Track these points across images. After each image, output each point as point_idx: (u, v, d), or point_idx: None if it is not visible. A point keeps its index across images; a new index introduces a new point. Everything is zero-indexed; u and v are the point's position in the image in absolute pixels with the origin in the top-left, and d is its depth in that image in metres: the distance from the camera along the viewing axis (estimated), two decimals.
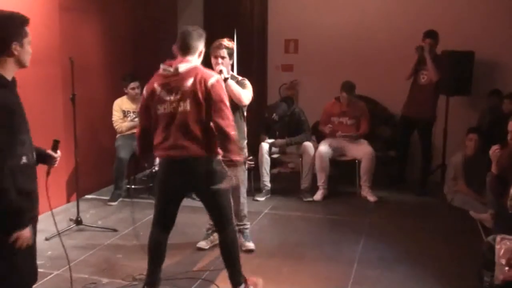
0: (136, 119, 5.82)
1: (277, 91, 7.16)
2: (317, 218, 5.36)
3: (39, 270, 3.87)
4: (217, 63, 4.01)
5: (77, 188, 4.98)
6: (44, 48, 5.11)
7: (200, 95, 3.12)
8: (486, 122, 6.08)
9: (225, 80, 3.90)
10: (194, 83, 3.13)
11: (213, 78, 3.18)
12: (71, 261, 4.05)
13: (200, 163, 3.20)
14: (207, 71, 3.25)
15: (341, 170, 6.31)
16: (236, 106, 4.00)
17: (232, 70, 4.74)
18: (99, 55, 6.00)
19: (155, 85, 3.22)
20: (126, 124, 5.76)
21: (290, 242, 4.59)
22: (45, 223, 4.94)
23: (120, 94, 5.85)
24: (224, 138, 3.19)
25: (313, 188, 5.89)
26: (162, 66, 3.26)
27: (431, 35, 5.93)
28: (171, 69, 3.20)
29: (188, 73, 3.17)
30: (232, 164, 3.30)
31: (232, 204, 3.48)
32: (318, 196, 5.83)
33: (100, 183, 6.08)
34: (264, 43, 7.26)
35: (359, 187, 5.97)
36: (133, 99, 5.80)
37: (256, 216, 5.22)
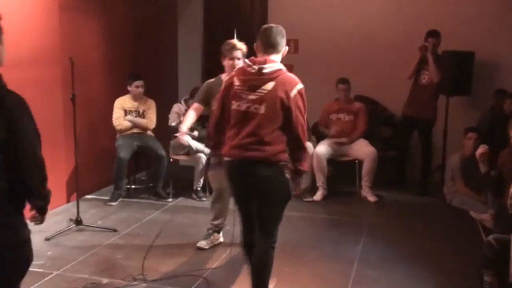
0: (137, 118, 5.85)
1: None
2: (317, 218, 5.36)
3: (39, 270, 3.90)
4: (234, 65, 3.92)
5: (77, 188, 4.98)
6: (44, 48, 5.12)
7: (278, 101, 3.00)
8: (487, 122, 6.08)
9: None
10: (275, 88, 3.01)
11: (296, 87, 3.04)
12: (71, 261, 4.07)
13: (262, 166, 3.07)
14: (291, 76, 3.08)
15: (341, 170, 6.31)
16: None
17: None
18: (99, 55, 6.00)
19: (235, 79, 3.12)
20: (126, 123, 5.74)
21: (290, 242, 4.59)
22: (45, 223, 4.97)
23: (120, 93, 5.84)
24: (297, 147, 3.10)
25: (313, 188, 5.89)
26: (247, 61, 3.12)
27: (434, 34, 5.93)
28: (255, 68, 3.05)
29: (271, 76, 3.03)
30: (296, 173, 3.18)
31: None
32: (318, 196, 5.83)
33: (100, 183, 6.08)
34: None
35: (359, 187, 5.97)
36: (135, 97, 5.79)
37: None
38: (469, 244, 4.49)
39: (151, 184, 6.00)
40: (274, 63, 3.09)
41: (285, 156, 3.13)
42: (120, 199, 5.69)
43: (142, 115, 5.86)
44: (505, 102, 5.88)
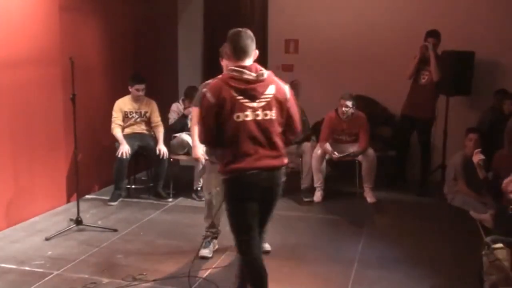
0: (138, 119, 5.83)
1: None
2: (317, 218, 5.36)
3: (39, 270, 3.91)
4: None
5: (77, 188, 4.98)
6: (44, 48, 5.12)
7: (283, 103, 3.02)
8: (487, 122, 6.08)
9: None
10: (277, 91, 3.01)
11: (287, 87, 3.10)
12: (71, 261, 4.07)
13: (279, 172, 3.06)
14: (279, 79, 3.11)
15: (341, 170, 6.31)
16: None
17: None
18: (99, 55, 6.00)
19: (232, 92, 2.92)
20: (119, 134, 5.66)
21: (290, 242, 4.59)
22: (45, 223, 4.98)
23: (120, 93, 5.83)
24: (294, 136, 3.17)
25: (313, 188, 5.89)
26: (237, 70, 2.96)
27: (434, 34, 5.94)
28: (253, 75, 2.95)
29: (269, 80, 3.01)
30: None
31: None
32: (317, 197, 5.82)
33: (100, 183, 6.08)
34: (264, 43, 7.26)
35: (360, 187, 5.95)
36: (136, 99, 5.79)
37: None
38: (469, 244, 4.48)
39: (151, 184, 6.00)
40: (261, 67, 3.06)
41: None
42: (120, 199, 5.69)
43: (144, 116, 5.85)
44: (505, 103, 5.88)
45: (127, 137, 5.72)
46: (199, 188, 5.75)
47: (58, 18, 5.29)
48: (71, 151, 5.03)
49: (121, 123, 5.75)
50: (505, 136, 4.54)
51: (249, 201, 3.01)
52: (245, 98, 2.94)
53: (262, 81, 2.98)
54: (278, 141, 3.02)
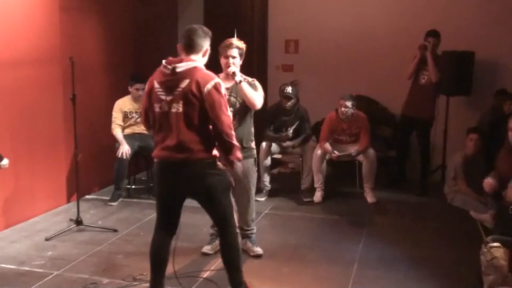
0: (139, 119, 5.82)
1: (277, 91, 7.15)
2: (317, 218, 5.36)
3: (39, 270, 3.91)
4: (228, 64, 3.89)
5: (77, 188, 4.98)
6: (44, 48, 5.12)
7: (192, 98, 3.04)
8: (487, 122, 6.08)
9: (239, 83, 3.82)
10: (189, 85, 3.05)
11: (210, 83, 3.07)
12: (71, 262, 4.07)
13: (192, 165, 3.14)
14: (206, 73, 3.14)
15: (341, 170, 6.31)
16: (247, 106, 3.92)
17: None
18: (99, 55, 6.00)
19: (155, 82, 3.17)
20: (119, 134, 5.67)
21: (291, 242, 4.59)
22: (45, 223, 4.98)
23: (121, 93, 5.84)
24: (222, 142, 3.15)
25: (314, 188, 5.88)
26: (163, 63, 3.16)
27: (434, 34, 5.94)
28: (169, 68, 3.11)
29: (185, 74, 3.08)
30: (230, 165, 3.23)
31: (238, 207, 3.41)
32: (317, 197, 5.81)
33: (100, 183, 6.08)
34: (264, 43, 7.26)
35: (360, 188, 5.95)
36: (135, 99, 5.79)
37: (257, 217, 5.19)
38: (469, 244, 4.48)
39: (151, 184, 5.99)
40: (190, 61, 3.12)
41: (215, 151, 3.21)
42: (121, 199, 5.69)
43: None
44: (506, 103, 5.88)
45: (127, 137, 5.72)
46: None
47: (58, 18, 5.29)
48: (71, 151, 5.03)
49: (121, 123, 5.75)
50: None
51: (161, 185, 3.29)
52: (161, 90, 3.13)
53: (175, 74, 3.09)
54: (186, 134, 3.09)
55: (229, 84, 3.91)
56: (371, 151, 5.81)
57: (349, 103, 5.73)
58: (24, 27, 4.88)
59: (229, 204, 3.32)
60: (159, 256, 3.34)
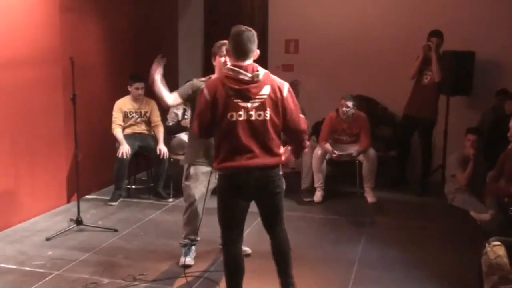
0: (139, 119, 5.82)
1: None
2: (317, 218, 5.36)
3: (40, 270, 3.91)
4: (226, 62, 3.79)
5: (78, 188, 4.98)
6: (44, 48, 5.12)
7: (278, 103, 3.05)
8: (487, 122, 6.08)
9: None
10: (273, 91, 3.04)
11: (286, 87, 3.13)
12: (72, 261, 4.07)
13: (274, 171, 3.13)
14: (277, 78, 3.15)
15: (342, 170, 6.30)
16: None
17: None
18: (99, 55, 6.00)
19: (227, 89, 3.01)
20: (119, 134, 5.66)
21: (291, 242, 4.55)
22: (45, 223, 4.98)
23: (121, 93, 5.84)
24: (302, 140, 3.21)
25: (314, 188, 5.88)
26: (233, 69, 3.03)
27: (438, 34, 5.94)
28: (249, 75, 3.00)
29: (265, 80, 3.05)
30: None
31: None
32: (317, 197, 5.81)
33: (100, 183, 6.08)
34: (264, 43, 7.26)
35: (361, 187, 5.95)
36: (135, 99, 5.79)
37: (256, 217, 5.20)
38: (469, 244, 4.48)
39: (151, 184, 6.00)
40: (259, 68, 3.10)
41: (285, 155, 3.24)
42: (121, 199, 5.70)
43: (144, 116, 5.85)
44: (507, 103, 5.88)
45: (128, 137, 5.72)
46: None
47: (58, 18, 5.29)
48: (71, 151, 5.03)
49: (122, 123, 5.75)
50: None
51: (238, 199, 3.12)
52: (239, 98, 3.01)
53: (257, 81, 3.03)
54: (272, 140, 3.07)
55: None
56: (371, 151, 5.81)
57: (350, 103, 5.73)
58: (24, 27, 4.88)
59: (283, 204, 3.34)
60: (240, 266, 3.27)
